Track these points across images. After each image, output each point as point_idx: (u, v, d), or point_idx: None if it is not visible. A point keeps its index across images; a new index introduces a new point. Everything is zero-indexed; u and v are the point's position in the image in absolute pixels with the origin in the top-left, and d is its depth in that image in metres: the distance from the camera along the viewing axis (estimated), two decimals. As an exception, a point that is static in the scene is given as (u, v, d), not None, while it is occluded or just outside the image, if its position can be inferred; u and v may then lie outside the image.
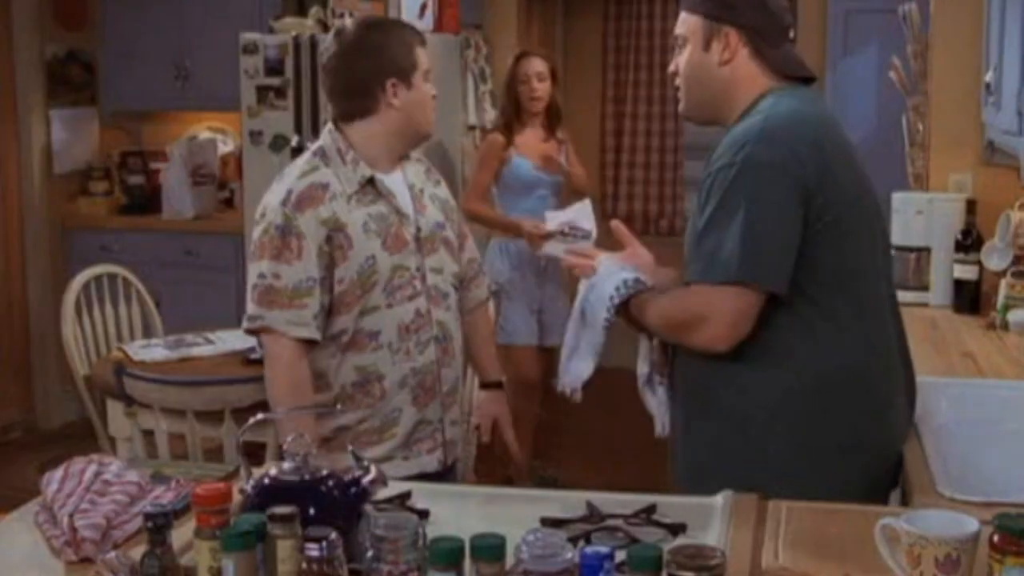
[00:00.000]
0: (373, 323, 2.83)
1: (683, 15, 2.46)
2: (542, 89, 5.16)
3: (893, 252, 3.32)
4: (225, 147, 6.79)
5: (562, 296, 5.18)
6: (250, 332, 2.88)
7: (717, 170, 2.29)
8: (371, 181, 2.86)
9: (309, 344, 2.80)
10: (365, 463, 1.92)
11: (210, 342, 4.26)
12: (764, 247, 2.24)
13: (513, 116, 5.17)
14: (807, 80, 2.46)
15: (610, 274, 2.51)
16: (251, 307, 2.82)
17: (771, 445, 2.34)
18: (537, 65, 5.15)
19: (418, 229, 2.93)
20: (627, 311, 2.47)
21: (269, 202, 2.84)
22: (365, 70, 2.86)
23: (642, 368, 2.59)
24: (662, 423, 2.57)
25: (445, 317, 2.96)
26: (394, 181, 2.93)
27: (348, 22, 2.99)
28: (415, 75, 2.89)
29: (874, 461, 2.37)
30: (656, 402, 2.58)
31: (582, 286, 2.59)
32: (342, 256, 2.79)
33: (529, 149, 5.17)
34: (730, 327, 2.27)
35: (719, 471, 2.34)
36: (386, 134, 2.90)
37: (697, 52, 2.42)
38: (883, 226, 2.50)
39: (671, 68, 2.51)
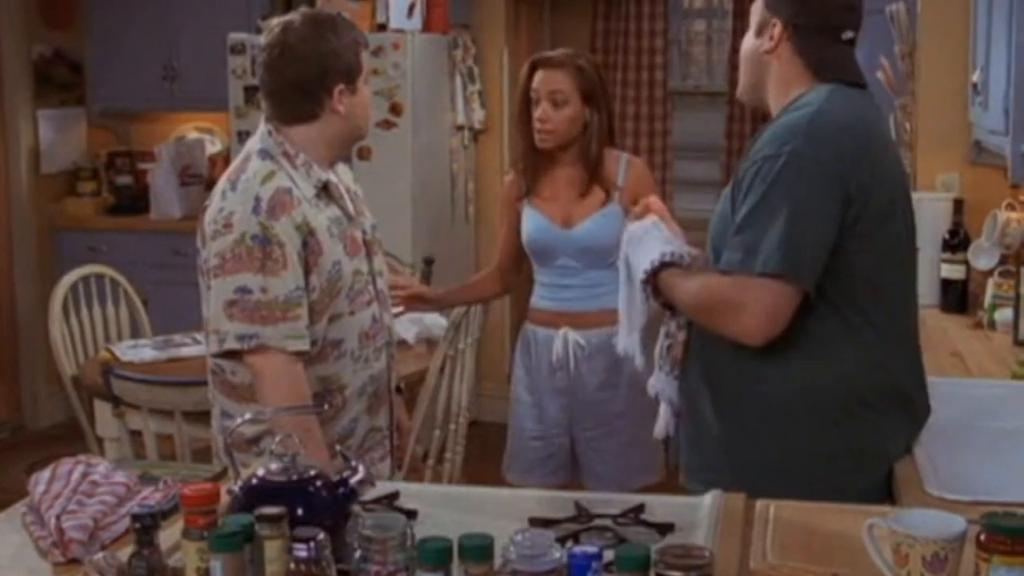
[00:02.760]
0: (337, 331, 2.74)
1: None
2: (556, 120, 3.44)
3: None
4: (213, 147, 6.78)
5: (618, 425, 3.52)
6: (235, 353, 2.66)
7: (763, 159, 2.27)
8: (326, 185, 2.76)
9: (299, 357, 2.66)
10: (353, 463, 1.92)
11: (198, 342, 4.24)
12: (805, 244, 2.23)
13: (520, 145, 3.61)
14: (858, 85, 2.43)
15: (659, 238, 2.48)
16: (237, 326, 2.62)
17: (775, 446, 2.34)
18: (556, 80, 3.44)
19: (363, 232, 2.86)
20: (656, 282, 2.45)
21: (234, 211, 2.64)
22: (314, 73, 2.71)
23: (658, 359, 2.55)
24: (665, 423, 2.55)
25: (390, 321, 2.92)
26: (336, 184, 2.82)
27: (295, 16, 2.77)
28: (360, 79, 2.77)
29: (868, 473, 2.35)
30: (664, 398, 2.55)
31: (624, 237, 2.55)
32: (314, 262, 2.67)
33: (551, 199, 3.55)
34: (766, 320, 2.25)
35: (722, 468, 2.35)
36: (328, 139, 2.76)
37: (751, 35, 2.47)
38: (915, 254, 2.48)
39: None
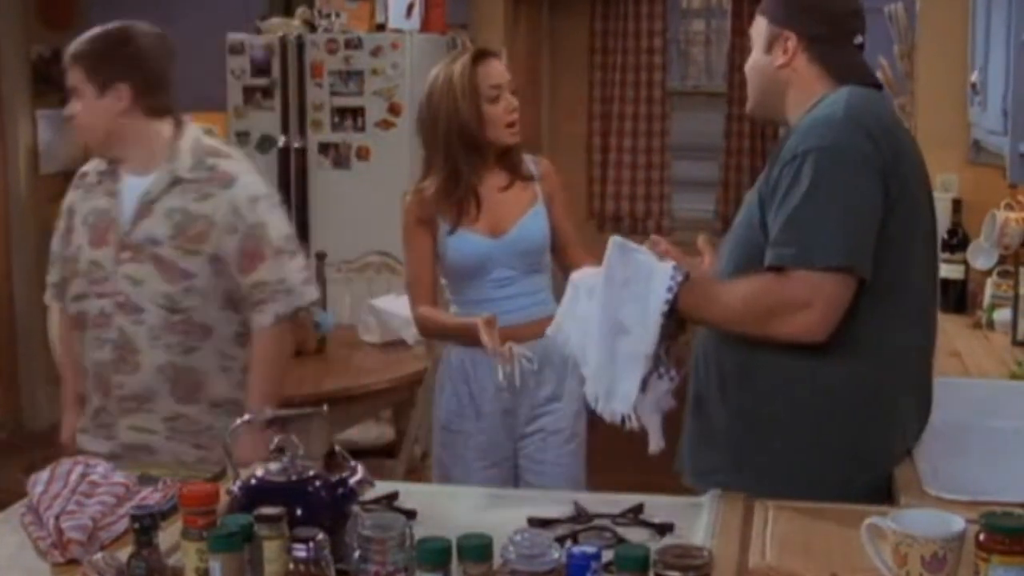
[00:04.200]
0: (80, 308, 3.01)
1: (756, 18, 2.50)
2: (517, 107, 3.25)
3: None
4: (211, 147, 6.77)
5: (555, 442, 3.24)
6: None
7: (803, 153, 2.25)
8: (104, 174, 3.05)
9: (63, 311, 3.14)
10: (352, 464, 1.92)
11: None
12: (860, 233, 2.23)
13: (463, 156, 3.17)
14: (875, 86, 2.45)
15: (643, 265, 2.32)
16: None
17: (783, 446, 2.32)
18: (505, 69, 3.25)
19: (125, 234, 2.94)
20: (678, 305, 2.31)
21: None
22: None
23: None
24: (656, 440, 2.39)
25: (131, 330, 2.91)
26: (129, 182, 2.99)
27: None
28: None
29: (871, 473, 2.33)
30: (650, 409, 2.38)
31: (584, 289, 2.34)
32: (68, 239, 3.06)
33: (477, 210, 3.21)
34: (831, 315, 2.22)
35: (728, 467, 2.34)
36: None
37: (759, 53, 2.46)
38: (936, 249, 2.49)
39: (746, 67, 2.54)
